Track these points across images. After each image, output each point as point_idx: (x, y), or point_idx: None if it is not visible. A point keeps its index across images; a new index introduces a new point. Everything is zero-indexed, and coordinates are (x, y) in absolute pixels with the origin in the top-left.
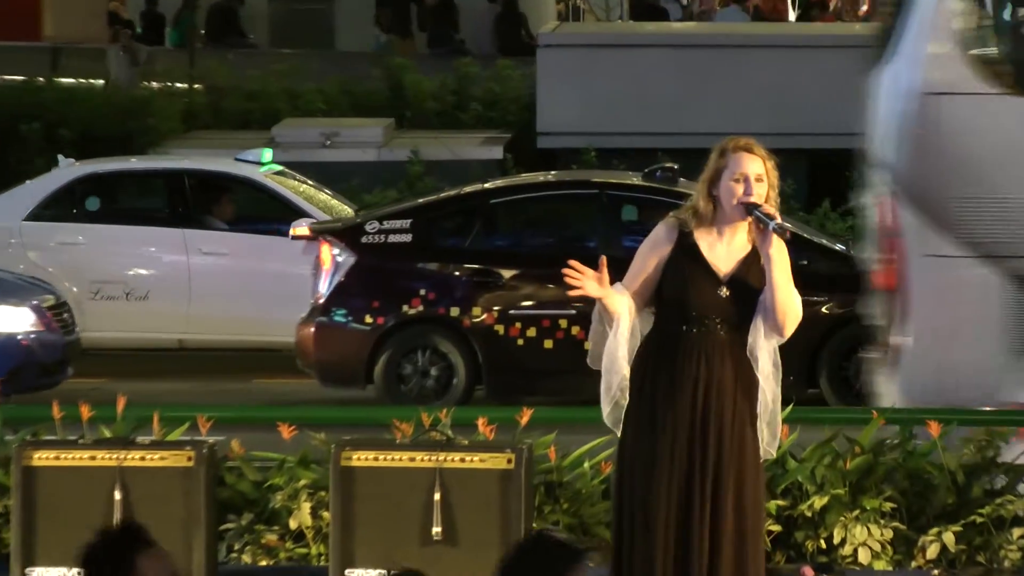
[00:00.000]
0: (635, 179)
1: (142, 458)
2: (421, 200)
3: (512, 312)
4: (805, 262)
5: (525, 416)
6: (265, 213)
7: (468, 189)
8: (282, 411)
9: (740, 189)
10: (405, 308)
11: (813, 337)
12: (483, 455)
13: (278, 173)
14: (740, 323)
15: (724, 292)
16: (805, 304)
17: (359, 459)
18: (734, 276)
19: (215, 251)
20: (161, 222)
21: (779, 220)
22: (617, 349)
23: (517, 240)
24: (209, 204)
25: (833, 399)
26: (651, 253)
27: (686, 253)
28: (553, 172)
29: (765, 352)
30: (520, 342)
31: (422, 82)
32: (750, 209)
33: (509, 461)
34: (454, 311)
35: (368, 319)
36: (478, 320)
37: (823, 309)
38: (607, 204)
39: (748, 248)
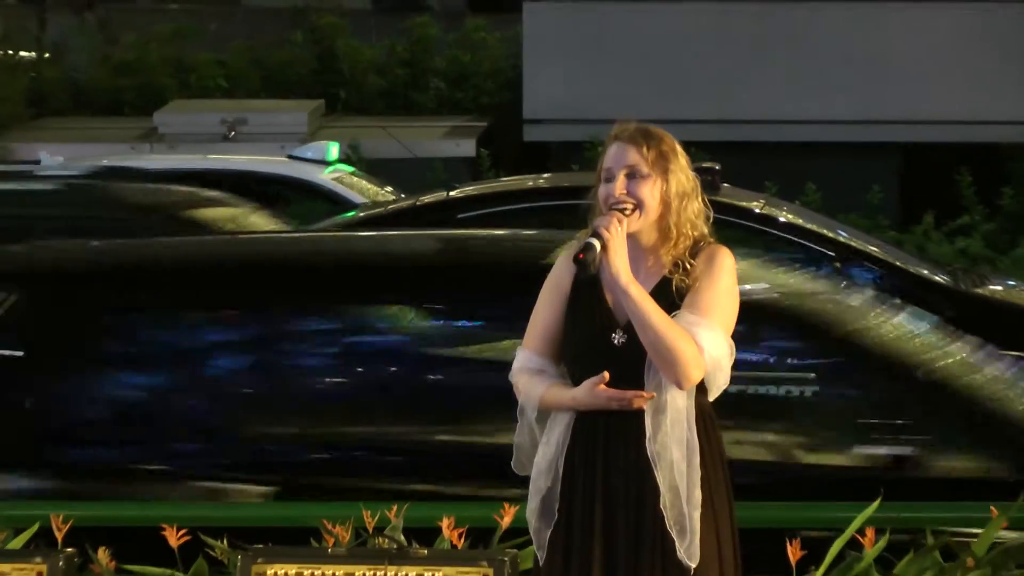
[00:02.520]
0: None
1: None
2: (363, 214)
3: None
4: (897, 301)
5: (507, 515)
6: None
7: (427, 199)
8: (168, 508)
9: (605, 192)
10: None
11: None
12: (449, 570)
13: (350, 174)
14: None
15: (618, 339)
16: None
17: (275, 575)
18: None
19: None
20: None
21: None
22: None
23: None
24: None
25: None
26: (547, 301)
27: (578, 291)
28: (546, 175)
29: (677, 408)
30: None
31: (361, 50)
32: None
33: None
34: None
35: None
36: None
37: None
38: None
39: (655, 277)
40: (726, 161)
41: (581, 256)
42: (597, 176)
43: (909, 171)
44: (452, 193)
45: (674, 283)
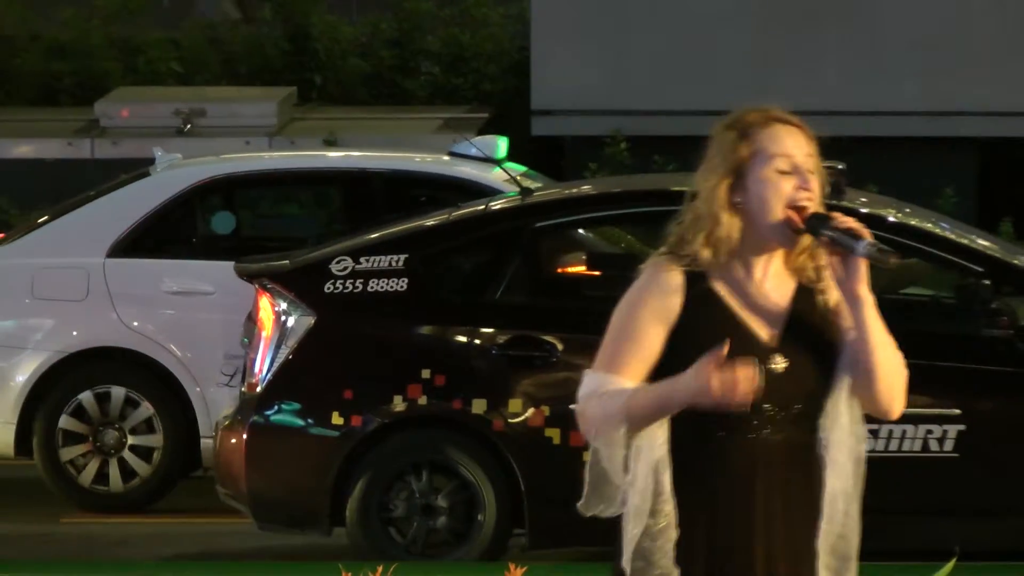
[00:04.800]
0: None
1: None
2: (421, 223)
3: (574, 407)
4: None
5: None
6: None
7: (498, 205)
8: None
9: (788, 186)
10: (397, 401)
11: None
12: None
13: (523, 175)
14: (807, 413)
15: (777, 365)
16: None
17: None
18: (789, 338)
19: None
20: None
21: (869, 236)
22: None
23: (577, 288)
24: None
25: None
26: (650, 319)
27: (704, 309)
28: (636, 177)
29: (846, 449)
30: (588, 457)
31: (340, 28)
32: (815, 224)
33: None
34: (478, 406)
35: (336, 419)
36: (518, 420)
37: None
38: None
39: (793, 285)
40: None
41: (879, 258)
42: (733, 169)
43: (987, 170)
44: (528, 200)
45: (816, 293)
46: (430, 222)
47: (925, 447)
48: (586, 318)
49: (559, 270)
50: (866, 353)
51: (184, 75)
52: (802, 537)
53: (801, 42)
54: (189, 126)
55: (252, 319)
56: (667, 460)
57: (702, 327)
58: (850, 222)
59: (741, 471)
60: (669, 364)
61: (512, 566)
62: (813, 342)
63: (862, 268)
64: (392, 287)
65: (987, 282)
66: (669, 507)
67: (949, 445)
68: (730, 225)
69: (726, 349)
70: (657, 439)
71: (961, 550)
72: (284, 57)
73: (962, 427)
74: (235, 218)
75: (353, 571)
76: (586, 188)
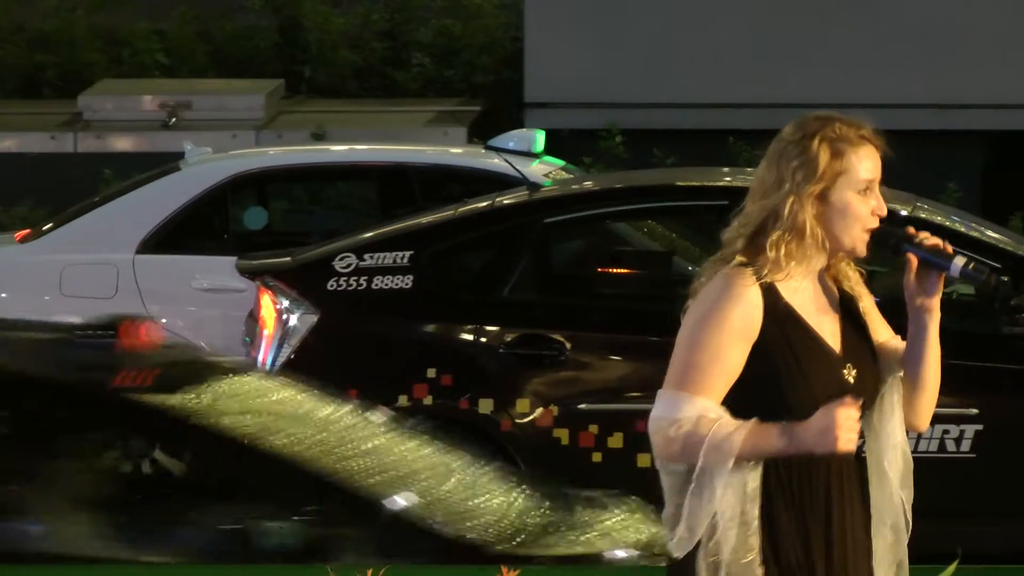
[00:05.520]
0: None
1: None
2: (426, 219)
3: (583, 407)
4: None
5: None
6: None
7: (506, 200)
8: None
9: (867, 208)
10: (403, 401)
11: None
12: None
13: (562, 169)
14: (866, 423)
15: (850, 374)
16: None
17: None
18: (852, 347)
19: None
20: None
21: (961, 260)
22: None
23: (586, 286)
24: None
25: None
26: (736, 337)
27: (784, 325)
28: (651, 172)
29: (899, 454)
30: (598, 457)
31: (331, 19)
32: (901, 244)
33: None
34: (485, 406)
35: None
36: (526, 420)
37: None
38: None
39: (836, 296)
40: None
41: (975, 277)
42: (828, 182)
43: (993, 164)
44: (537, 195)
45: (854, 300)
46: (436, 218)
47: (942, 447)
48: (595, 316)
49: (568, 267)
50: (923, 366)
51: (170, 67)
52: (864, 550)
53: (801, 33)
54: (175, 119)
55: (254, 317)
56: (758, 491)
57: (783, 344)
58: (936, 240)
59: (828, 490)
60: (748, 381)
61: (505, 569)
62: (864, 350)
63: (940, 283)
64: (397, 284)
65: (1006, 278)
66: (756, 540)
67: (966, 445)
68: (814, 238)
69: (852, 403)
70: (751, 470)
71: (972, 551)
72: (273, 49)
73: (980, 427)
74: (268, 213)
75: (342, 574)
76: (594, 183)
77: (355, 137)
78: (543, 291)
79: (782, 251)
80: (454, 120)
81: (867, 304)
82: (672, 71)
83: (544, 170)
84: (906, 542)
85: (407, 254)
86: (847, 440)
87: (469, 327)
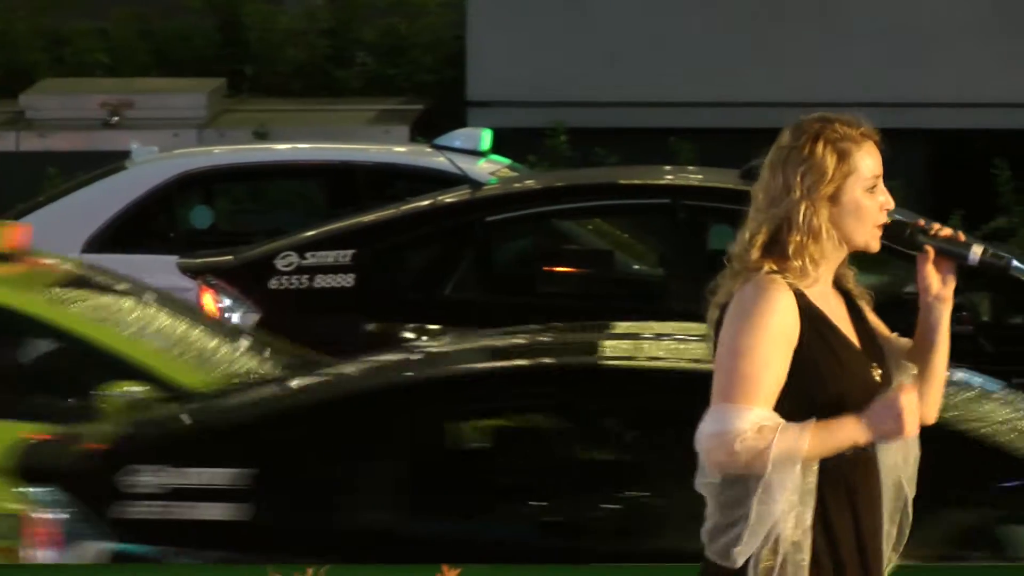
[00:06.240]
0: (728, 181)
1: None
2: (369, 218)
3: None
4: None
5: None
6: None
7: (448, 199)
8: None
9: (875, 204)
10: None
11: None
12: None
13: (507, 168)
14: None
15: (876, 374)
16: None
17: None
18: (867, 345)
19: None
20: None
21: (979, 248)
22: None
23: (528, 284)
24: None
25: None
26: (781, 345)
27: (819, 329)
28: (592, 170)
29: (909, 447)
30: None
31: (273, 17)
32: (915, 236)
33: None
34: None
35: None
36: None
37: None
38: (684, 224)
39: (843, 297)
40: (721, 152)
41: (995, 263)
42: (837, 186)
43: (937, 163)
44: (479, 193)
45: (858, 298)
46: (378, 217)
47: None
48: (537, 314)
49: (510, 265)
50: (935, 358)
51: (112, 66)
52: (879, 542)
53: (741, 33)
54: (116, 118)
55: None
56: (813, 492)
57: (820, 348)
58: (948, 230)
59: (866, 487)
60: (793, 385)
61: (446, 568)
62: (879, 348)
63: (955, 274)
64: (339, 283)
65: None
66: (809, 541)
67: None
68: (831, 239)
69: (911, 387)
70: (808, 472)
71: None
72: (215, 47)
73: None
74: (214, 212)
75: (283, 573)
76: (536, 182)
77: (298, 136)
78: (485, 289)
79: (806, 257)
80: (397, 119)
81: (867, 300)
82: (615, 70)
83: (490, 168)
84: (906, 534)
85: (349, 253)
86: (913, 424)
87: (411, 325)
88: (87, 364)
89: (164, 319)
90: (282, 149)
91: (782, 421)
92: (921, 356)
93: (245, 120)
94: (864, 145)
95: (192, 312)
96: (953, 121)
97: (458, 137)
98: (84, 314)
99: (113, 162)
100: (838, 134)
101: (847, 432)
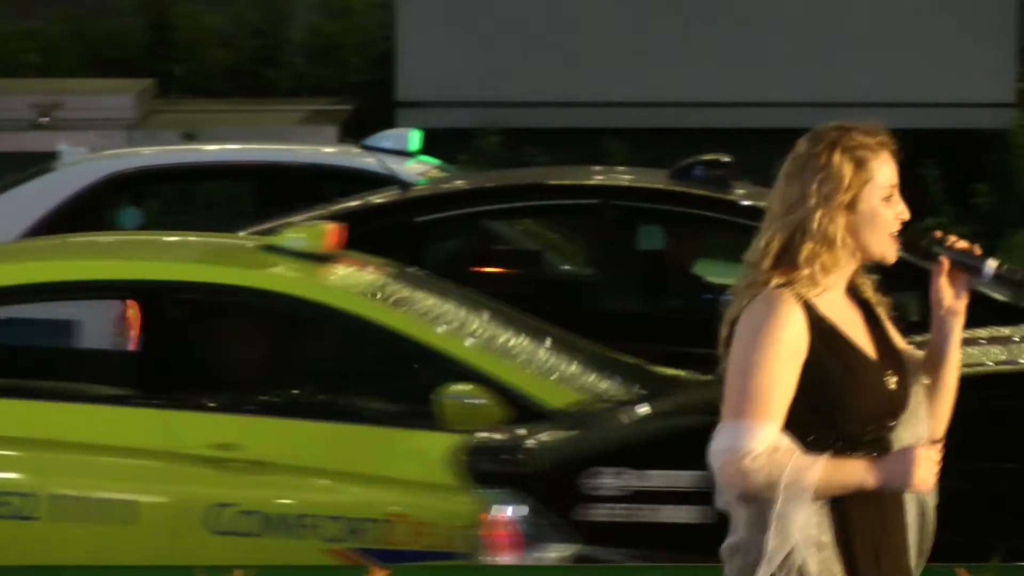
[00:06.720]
0: (659, 181)
1: None
2: (298, 219)
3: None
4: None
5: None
6: None
7: (378, 199)
8: None
9: (891, 213)
10: None
11: None
12: None
13: (437, 168)
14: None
15: (891, 382)
16: None
17: None
18: (884, 353)
19: None
20: None
21: (993, 262)
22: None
23: (460, 285)
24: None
25: None
26: (790, 361)
27: (829, 342)
28: (524, 171)
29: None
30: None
31: (202, 18)
32: (931, 246)
33: None
34: None
35: None
36: None
37: None
38: (615, 224)
39: (859, 305)
40: (645, 152)
41: (1009, 278)
42: (853, 195)
43: (914, 164)
44: (410, 193)
45: (874, 306)
46: (306, 218)
47: None
48: None
49: (439, 266)
50: (946, 370)
51: (43, 66)
52: (905, 562)
53: (672, 33)
54: (46, 119)
55: (123, 316)
56: (829, 514)
57: (833, 358)
58: (964, 243)
59: (883, 497)
60: (803, 399)
61: (375, 568)
62: (895, 356)
63: (968, 287)
64: None
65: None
66: (837, 565)
67: None
68: (846, 248)
69: (933, 444)
70: (824, 504)
71: None
72: (145, 48)
73: None
74: (144, 213)
75: (210, 574)
76: (465, 182)
77: (227, 137)
78: None
79: (817, 265)
80: (326, 119)
81: (885, 310)
82: (545, 70)
83: (420, 169)
84: (930, 543)
85: None
86: (925, 479)
87: None
88: (416, 365)
89: (481, 319)
90: (212, 150)
91: (793, 446)
92: (932, 368)
93: (175, 121)
94: (881, 154)
95: (507, 313)
96: (883, 121)
97: (388, 138)
98: (412, 315)
99: (42, 163)
100: (856, 142)
101: (858, 474)
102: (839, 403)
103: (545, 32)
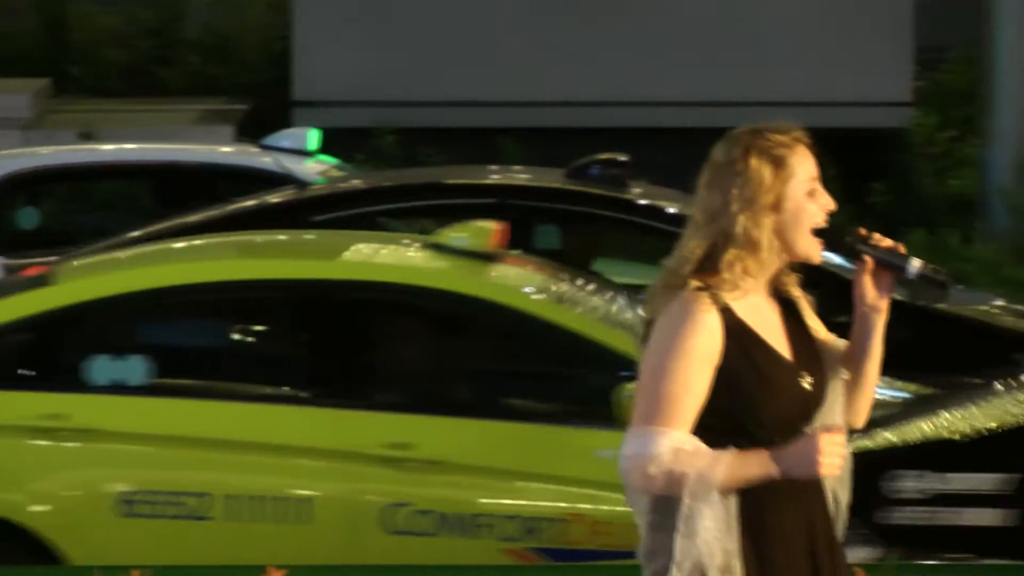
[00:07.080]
0: (555, 180)
1: None
2: (194, 218)
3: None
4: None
5: None
6: None
7: (275, 199)
8: None
9: (814, 208)
10: None
11: None
12: None
13: (335, 167)
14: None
15: (806, 382)
16: None
17: None
18: (801, 353)
19: None
20: None
21: (918, 262)
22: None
23: None
24: None
25: None
26: (702, 366)
27: (743, 345)
28: (419, 170)
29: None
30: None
31: (96, 18)
32: (855, 244)
33: None
34: None
35: None
36: None
37: None
38: (512, 223)
39: (778, 302)
40: (545, 152)
41: (932, 278)
42: (776, 196)
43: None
44: (306, 193)
45: (794, 305)
46: (203, 217)
47: None
48: None
49: None
50: (867, 365)
51: None
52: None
53: (570, 33)
54: None
55: None
56: (737, 516)
57: (746, 363)
58: (889, 241)
59: (797, 497)
60: (716, 404)
61: (271, 568)
62: (813, 353)
63: (893, 284)
64: None
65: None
66: (738, 563)
67: None
68: (772, 250)
69: (837, 428)
70: (729, 501)
71: None
72: (40, 48)
73: None
74: (41, 213)
75: (107, 574)
76: (362, 182)
77: (124, 136)
78: None
79: (737, 269)
80: (221, 119)
81: (806, 305)
82: (441, 70)
83: (318, 168)
84: (840, 538)
85: None
86: (831, 465)
87: None
88: (592, 363)
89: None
90: (108, 149)
91: (701, 445)
92: (854, 362)
93: (71, 120)
94: (798, 149)
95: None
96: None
97: (286, 137)
98: (586, 313)
99: None
100: (771, 142)
101: (762, 465)
102: (750, 408)
103: (439, 32)
